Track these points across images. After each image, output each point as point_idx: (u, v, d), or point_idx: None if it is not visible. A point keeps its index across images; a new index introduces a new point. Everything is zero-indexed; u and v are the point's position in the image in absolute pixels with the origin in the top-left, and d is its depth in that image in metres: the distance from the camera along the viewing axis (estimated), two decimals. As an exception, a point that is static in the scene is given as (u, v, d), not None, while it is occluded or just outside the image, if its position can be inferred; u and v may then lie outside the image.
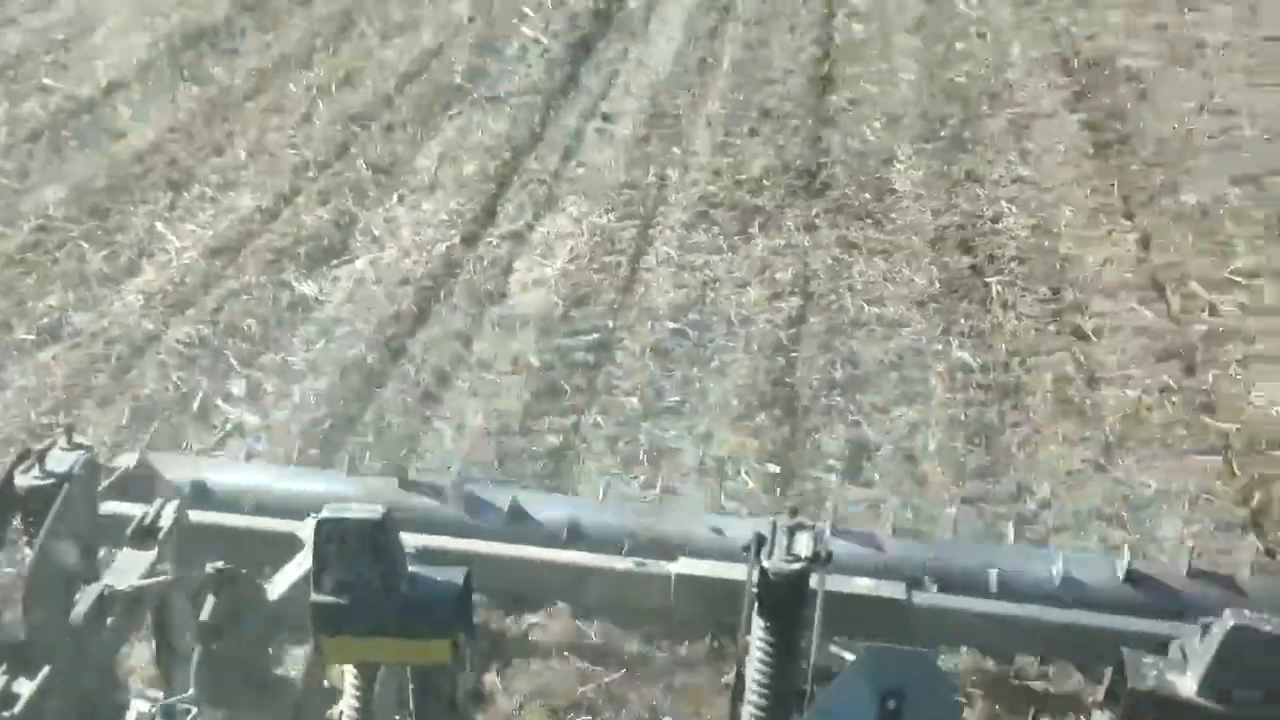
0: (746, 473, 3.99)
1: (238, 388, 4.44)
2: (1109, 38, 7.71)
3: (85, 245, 5.32)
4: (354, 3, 8.30)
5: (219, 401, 4.36)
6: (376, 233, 5.51)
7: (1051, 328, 4.82)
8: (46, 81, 7.02)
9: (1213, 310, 4.95)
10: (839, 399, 4.37)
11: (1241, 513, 3.87)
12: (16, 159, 6.12)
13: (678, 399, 4.38)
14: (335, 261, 5.29)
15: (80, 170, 6.00)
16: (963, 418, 4.27)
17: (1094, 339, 4.75)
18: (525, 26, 7.85)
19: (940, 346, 4.67)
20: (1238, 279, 5.14)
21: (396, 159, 6.15)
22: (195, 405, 4.31)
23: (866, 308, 4.91)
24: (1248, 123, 6.52)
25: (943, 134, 6.42)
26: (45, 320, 4.77)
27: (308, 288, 5.06)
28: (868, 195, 5.79)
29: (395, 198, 5.80)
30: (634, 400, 4.35)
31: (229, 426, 4.24)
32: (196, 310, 4.84)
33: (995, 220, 5.61)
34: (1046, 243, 5.42)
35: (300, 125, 6.52)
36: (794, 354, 4.62)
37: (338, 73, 7.17)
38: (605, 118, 6.61)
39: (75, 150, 6.24)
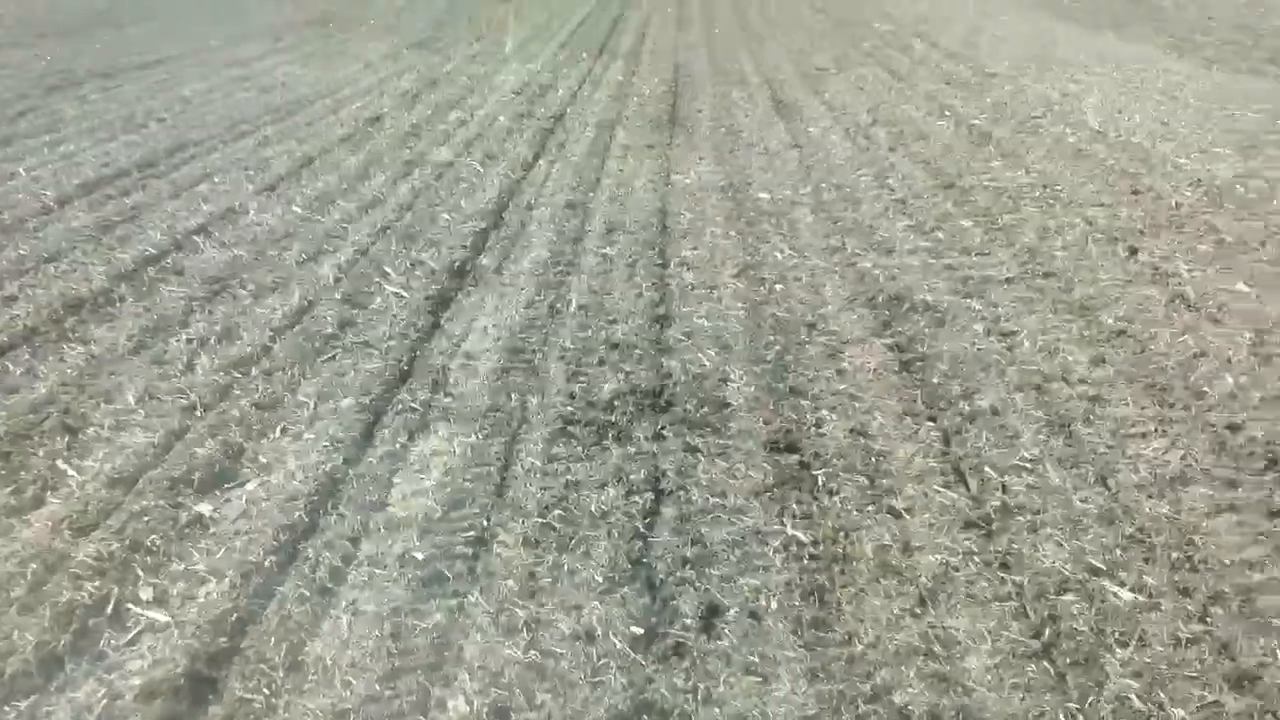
0: (614, 635, 4.56)
1: (146, 593, 4.86)
2: (908, 277, 8.80)
3: (-10, 484, 5.73)
4: (226, 269, 8.95)
5: (130, 605, 4.78)
6: (264, 460, 6.02)
7: (870, 508, 5.56)
8: (-66, 346, 7.44)
9: (1005, 489, 5.76)
10: (691, 572, 5.00)
11: (1034, 644, 4.59)
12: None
13: (550, 580, 4.94)
14: (227, 485, 5.78)
15: (-23, 423, 6.41)
16: (798, 581, 4.93)
17: (906, 516, 5.49)
18: (388, 284, 8.61)
19: (776, 527, 5.36)
20: (1024, 464, 5.98)
21: (278, 398, 6.71)
22: (109, 609, 4.73)
23: (711, 499, 5.60)
24: (1027, 341, 7.54)
25: (768, 358, 7.27)
26: (-41, 546, 5.14)
27: (204, 508, 5.53)
28: (706, 409, 6.56)
29: (279, 430, 6.34)
30: (510, 582, 4.90)
31: (141, 624, 4.66)
32: (102, 531, 5.27)
33: (818, 425, 6.41)
34: (863, 441, 6.21)
35: (184, 374, 7.05)
36: (651, 539, 5.25)
37: (215, 328, 7.75)
38: (468, 355, 7.30)
39: (-31, 406, 6.65)
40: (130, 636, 4.57)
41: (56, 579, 4.88)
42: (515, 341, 7.53)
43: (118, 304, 8.26)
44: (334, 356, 7.28)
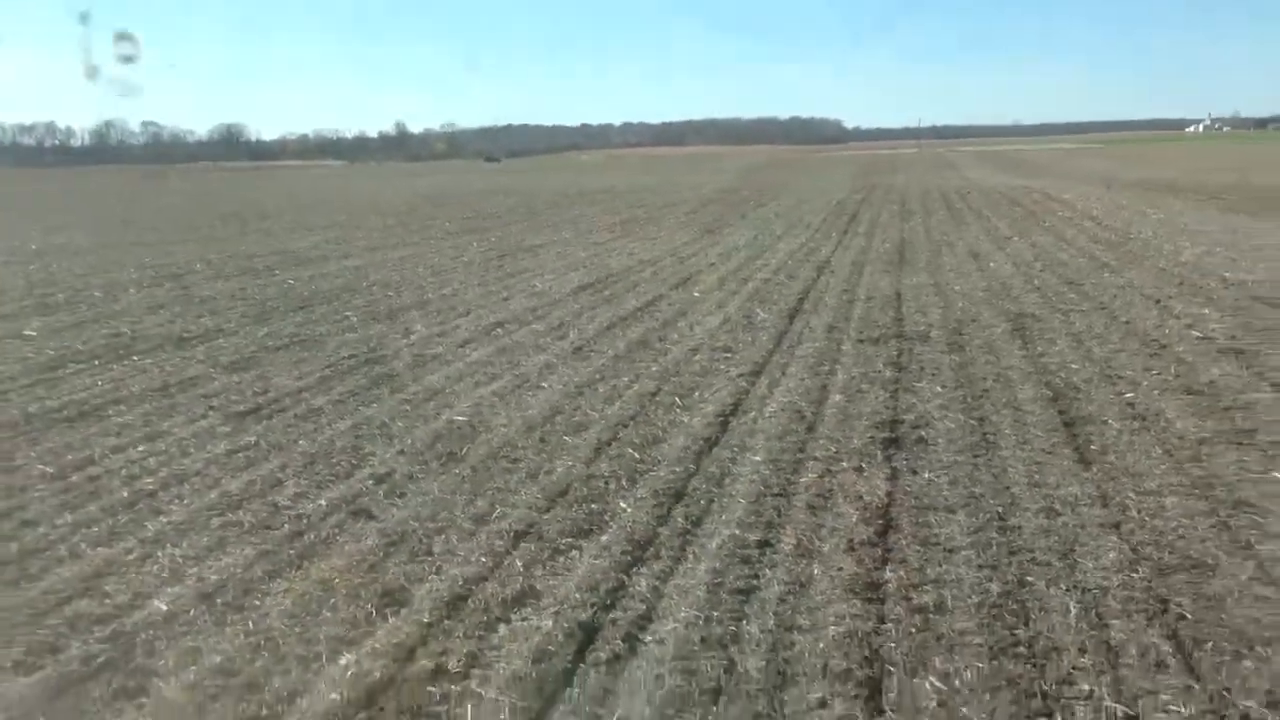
0: (882, 367, 13.00)
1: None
2: (1028, 307, 17.08)
3: None
4: (675, 311, 17.97)
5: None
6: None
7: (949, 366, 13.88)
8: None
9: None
10: (914, 375, 13.42)
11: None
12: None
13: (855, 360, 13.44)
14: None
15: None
16: (955, 393, 13.34)
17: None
18: (760, 313, 17.41)
19: (949, 358, 13.73)
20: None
21: (699, 344, 15.47)
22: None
23: (922, 360, 14.02)
24: (1079, 324, 15.75)
25: (950, 326, 15.67)
26: None
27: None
28: (919, 338, 15.00)
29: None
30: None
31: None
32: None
33: (967, 339, 14.77)
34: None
35: (589, 348, 15.89)
36: (902, 365, 13.70)
37: (655, 333, 16.65)
38: (811, 329, 15.98)
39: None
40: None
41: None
42: (831, 325, 16.20)
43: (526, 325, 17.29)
44: (742, 332, 16.05)
